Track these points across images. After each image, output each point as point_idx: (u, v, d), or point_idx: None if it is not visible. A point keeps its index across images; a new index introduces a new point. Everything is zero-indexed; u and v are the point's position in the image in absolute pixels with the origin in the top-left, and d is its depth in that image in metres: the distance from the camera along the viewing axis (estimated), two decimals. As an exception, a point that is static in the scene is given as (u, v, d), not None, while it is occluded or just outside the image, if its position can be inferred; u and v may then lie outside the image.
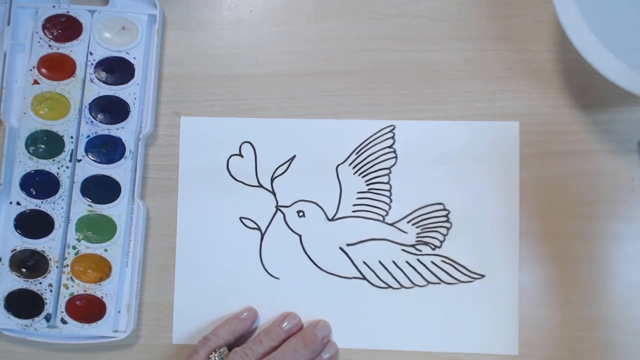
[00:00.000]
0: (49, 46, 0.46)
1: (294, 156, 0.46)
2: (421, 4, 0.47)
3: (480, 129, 0.45)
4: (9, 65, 0.46)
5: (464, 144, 0.45)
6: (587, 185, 0.45)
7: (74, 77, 0.46)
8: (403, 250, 0.45)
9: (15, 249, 0.45)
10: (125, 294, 0.46)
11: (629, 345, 0.44)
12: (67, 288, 0.45)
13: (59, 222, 0.45)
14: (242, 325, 0.44)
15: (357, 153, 0.46)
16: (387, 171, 0.46)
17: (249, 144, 0.46)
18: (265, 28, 0.48)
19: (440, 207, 0.45)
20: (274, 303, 0.45)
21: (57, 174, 0.45)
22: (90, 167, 0.45)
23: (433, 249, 0.45)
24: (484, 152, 0.45)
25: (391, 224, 0.45)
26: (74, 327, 0.44)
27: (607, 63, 0.37)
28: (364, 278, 0.45)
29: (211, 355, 0.41)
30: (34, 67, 0.46)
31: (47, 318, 0.44)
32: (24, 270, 0.45)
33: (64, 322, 0.44)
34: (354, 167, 0.46)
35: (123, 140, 0.46)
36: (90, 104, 0.46)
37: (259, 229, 0.46)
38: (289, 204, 0.46)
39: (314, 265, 0.45)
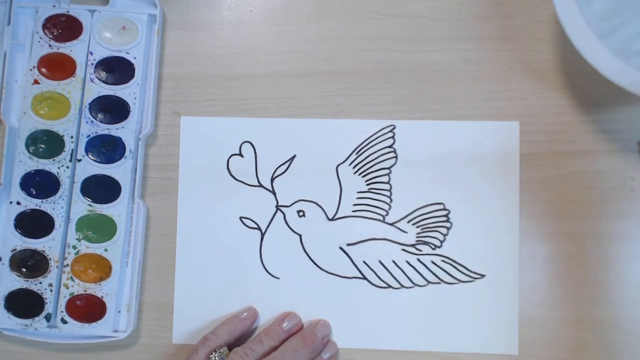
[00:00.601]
0: (49, 46, 0.46)
1: (294, 156, 0.46)
2: (421, 4, 0.47)
3: (480, 129, 0.45)
4: (9, 65, 0.46)
5: (464, 144, 0.45)
6: (587, 185, 0.45)
7: (74, 76, 0.46)
8: (403, 250, 0.45)
9: (15, 249, 0.45)
10: (125, 294, 0.46)
11: (629, 345, 0.44)
12: (67, 288, 0.45)
13: (59, 222, 0.45)
14: (242, 325, 0.44)
15: (357, 153, 0.46)
16: (387, 171, 0.46)
17: (249, 144, 0.46)
18: (265, 28, 0.48)
19: (441, 207, 0.45)
20: (274, 303, 0.45)
21: (57, 173, 0.45)
22: (90, 167, 0.45)
23: (433, 249, 0.45)
24: (484, 152, 0.45)
25: (391, 224, 0.45)
26: (74, 327, 0.44)
27: (607, 63, 0.37)
28: (364, 278, 0.45)
29: (211, 355, 0.41)
30: (34, 67, 0.46)
31: (47, 318, 0.44)
32: (24, 270, 0.45)
33: (64, 321, 0.44)
34: (354, 167, 0.46)
35: (123, 140, 0.46)
36: (90, 104, 0.46)
37: (259, 228, 0.46)
38: (289, 204, 0.46)
39: (314, 265, 0.45)
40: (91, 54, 0.46)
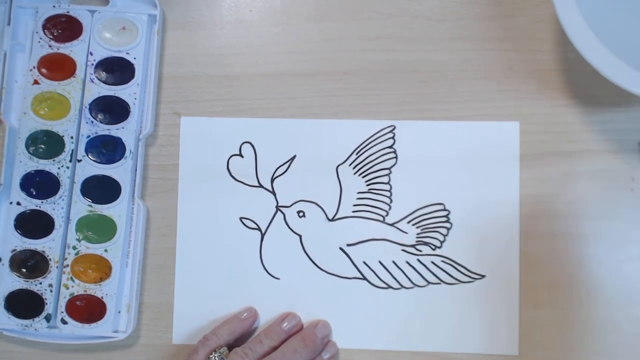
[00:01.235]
0: (49, 46, 0.46)
1: (294, 156, 0.46)
2: (421, 4, 0.47)
3: (480, 129, 0.45)
4: (9, 65, 0.46)
5: (464, 144, 0.45)
6: (587, 185, 0.45)
7: (74, 77, 0.46)
8: (403, 250, 0.45)
9: (15, 249, 0.45)
10: (125, 294, 0.46)
11: (629, 345, 0.44)
12: (67, 288, 0.45)
13: (59, 222, 0.45)
14: (242, 325, 0.44)
15: (357, 153, 0.46)
16: (387, 171, 0.46)
17: (249, 144, 0.46)
18: (265, 28, 0.48)
19: (441, 207, 0.45)
20: (274, 303, 0.45)
21: (57, 174, 0.45)
22: (90, 167, 0.45)
23: (433, 249, 0.45)
24: (484, 152, 0.45)
25: (391, 224, 0.45)
26: (74, 327, 0.44)
27: (607, 63, 0.37)
28: (364, 278, 0.45)
29: (211, 355, 0.41)
30: (34, 67, 0.46)
31: (47, 318, 0.44)
32: (24, 270, 0.45)
33: (64, 322, 0.44)
34: (354, 167, 0.46)
35: (123, 141, 0.46)
36: (90, 104, 0.46)
37: (259, 229, 0.46)
38: (289, 204, 0.46)
39: (314, 265, 0.45)
40: (91, 54, 0.46)
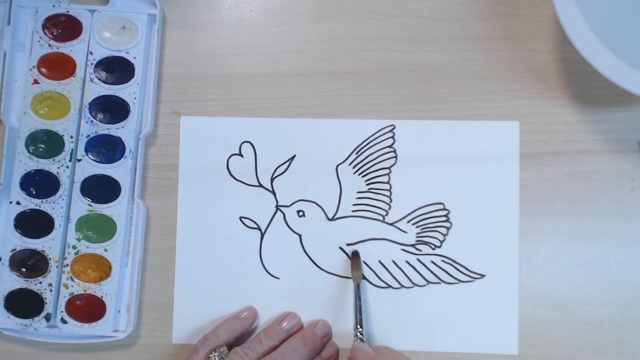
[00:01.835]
0: (49, 46, 0.46)
1: (294, 156, 0.46)
2: (421, 4, 0.47)
3: (480, 129, 0.45)
4: (9, 64, 0.46)
5: (464, 144, 0.45)
6: (587, 185, 0.45)
7: (74, 76, 0.46)
8: (403, 250, 0.45)
9: (15, 249, 0.45)
10: (125, 294, 0.46)
11: (629, 345, 0.44)
12: (67, 288, 0.45)
13: (58, 222, 0.45)
14: (242, 324, 0.44)
15: (357, 153, 0.46)
16: (387, 171, 0.46)
17: (249, 144, 0.46)
18: (265, 28, 0.48)
19: (440, 206, 0.45)
20: (274, 303, 0.45)
21: (57, 173, 0.45)
22: (90, 167, 0.45)
23: (433, 249, 0.45)
24: (484, 152, 0.45)
25: (391, 224, 0.45)
26: (74, 327, 0.44)
27: (607, 63, 0.37)
28: (364, 278, 0.45)
29: (211, 355, 0.41)
30: (34, 67, 0.46)
31: (47, 318, 0.44)
32: (23, 269, 0.45)
33: (63, 321, 0.44)
34: (354, 167, 0.46)
35: (123, 140, 0.46)
36: (90, 104, 0.46)
37: (259, 228, 0.46)
38: (289, 204, 0.46)
39: (314, 265, 0.45)
40: (91, 53, 0.46)
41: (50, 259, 0.45)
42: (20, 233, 0.45)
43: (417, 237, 0.45)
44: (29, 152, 0.45)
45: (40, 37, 0.46)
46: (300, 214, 0.46)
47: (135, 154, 0.46)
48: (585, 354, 0.44)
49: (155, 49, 0.47)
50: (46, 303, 0.45)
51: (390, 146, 0.46)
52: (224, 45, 0.48)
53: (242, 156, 0.46)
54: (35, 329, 0.45)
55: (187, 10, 0.48)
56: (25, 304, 0.45)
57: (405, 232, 0.45)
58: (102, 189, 0.45)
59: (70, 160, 0.46)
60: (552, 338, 0.44)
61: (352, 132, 0.46)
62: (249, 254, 0.46)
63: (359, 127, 0.46)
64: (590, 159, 0.45)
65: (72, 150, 0.46)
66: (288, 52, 0.47)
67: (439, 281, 0.45)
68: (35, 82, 0.46)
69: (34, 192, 0.45)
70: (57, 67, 0.46)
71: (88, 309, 0.45)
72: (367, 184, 0.46)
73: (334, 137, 0.46)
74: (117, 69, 0.46)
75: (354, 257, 0.44)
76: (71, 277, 0.45)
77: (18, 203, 0.45)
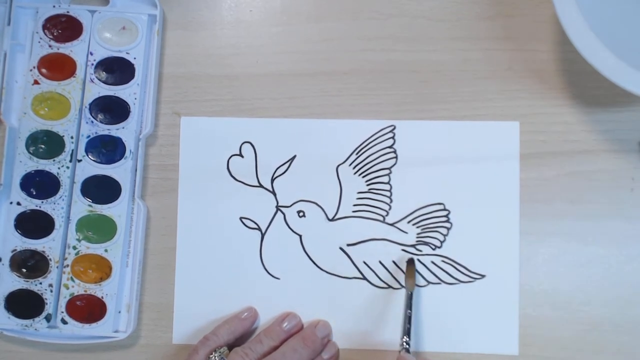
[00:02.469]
0: (49, 46, 0.46)
1: (294, 156, 0.46)
2: (421, 4, 0.47)
3: (480, 129, 0.45)
4: (9, 65, 0.46)
5: (464, 144, 0.45)
6: (587, 185, 0.45)
7: (74, 77, 0.46)
8: (403, 250, 0.45)
9: (15, 249, 0.45)
10: (125, 294, 0.46)
11: (628, 345, 0.44)
12: (68, 288, 0.45)
13: (59, 222, 0.45)
14: (242, 325, 0.44)
15: (357, 153, 0.46)
16: (387, 171, 0.46)
17: (249, 144, 0.46)
18: (265, 28, 0.48)
19: (441, 207, 0.45)
20: (274, 303, 0.45)
21: (58, 174, 0.45)
22: (90, 167, 0.45)
23: (433, 249, 0.45)
24: (484, 152, 0.45)
25: (391, 224, 0.45)
26: (74, 327, 0.44)
27: (607, 63, 0.37)
28: (364, 278, 0.45)
29: (211, 355, 0.41)
30: (34, 67, 0.46)
31: (48, 318, 0.44)
32: (24, 270, 0.45)
33: (64, 322, 0.44)
34: (354, 167, 0.46)
35: (123, 140, 0.46)
36: (90, 104, 0.46)
37: (259, 229, 0.46)
38: (289, 204, 0.46)
39: (314, 265, 0.45)
40: (91, 54, 0.46)
41: (50, 259, 0.45)
42: (20, 233, 0.45)
43: (417, 237, 0.45)
44: (29, 152, 0.45)
45: (41, 38, 0.46)
46: (301, 214, 0.46)
47: (136, 155, 0.46)
48: (585, 354, 0.44)
49: (156, 49, 0.47)
50: (46, 303, 0.45)
51: (390, 146, 0.46)
52: (224, 45, 0.48)
53: (242, 156, 0.46)
54: (35, 329, 0.45)
55: (187, 10, 0.48)
56: (25, 305, 0.45)
57: (406, 232, 0.45)
58: (102, 190, 0.45)
59: (70, 161, 0.46)
60: (552, 338, 0.44)
61: (353, 132, 0.46)
62: (249, 254, 0.46)
63: (359, 127, 0.46)
64: (590, 159, 0.45)
65: (72, 150, 0.46)
66: (288, 52, 0.47)
67: (439, 281, 0.45)
68: (36, 82, 0.46)
69: (34, 193, 0.45)
70: (58, 67, 0.46)
71: (88, 309, 0.45)
72: (368, 184, 0.46)
73: (334, 138, 0.46)
74: (118, 69, 0.46)
75: (409, 265, 0.44)
76: (71, 278, 0.45)
77: (18, 204, 0.45)
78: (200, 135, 0.47)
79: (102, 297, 0.45)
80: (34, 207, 0.45)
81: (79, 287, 0.45)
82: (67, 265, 0.45)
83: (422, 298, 0.45)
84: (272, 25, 0.48)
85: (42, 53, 0.46)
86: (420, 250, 0.45)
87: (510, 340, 0.44)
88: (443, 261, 0.45)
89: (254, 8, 0.48)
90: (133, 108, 0.46)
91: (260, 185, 0.46)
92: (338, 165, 0.46)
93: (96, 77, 0.46)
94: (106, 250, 0.45)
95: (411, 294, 0.43)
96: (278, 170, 0.46)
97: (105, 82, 0.46)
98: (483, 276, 0.44)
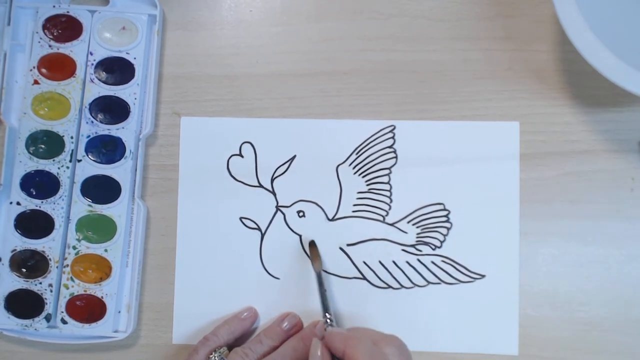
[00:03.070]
0: (49, 46, 0.46)
1: (294, 156, 0.46)
2: (421, 4, 0.47)
3: (480, 129, 0.45)
4: (9, 65, 0.46)
5: (464, 144, 0.45)
6: (587, 185, 0.45)
7: (74, 77, 0.46)
8: (403, 250, 0.45)
9: (15, 249, 0.45)
10: (125, 294, 0.46)
11: (628, 345, 0.44)
12: (67, 288, 0.45)
13: (59, 222, 0.45)
14: (242, 325, 0.44)
15: (357, 153, 0.46)
16: (387, 171, 0.46)
17: (249, 144, 0.46)
18: (265, 28, 0.48)
19: (441, 207, 0.45)
20: (274, 303, 0.45)
21: (57, 174, 0.45)
22: (90, 167, 0.45)
23: (433, 249, 0.45)
24: (484, 152, 0.45)
25: (391, 224, 0.45)
26: (74, 327, 0.44)
27: (607, 63, 0.37)
28: (364, 278, 0.45)
29: (211, 355, 0.41)
30: (34, 67, 0.46)
31: (47, 318, 0.45)
32: (24, 270, 0.45)
33: (64, 322, 0.44)
34: (354, 167, 0.46)
35: (123, 141, 0.46)
36: (90, 104, 0.46)
37: (259, 229, 0.46)
38: (289, 204, 0.46)
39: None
40: (91, 54, 0.46)
41: (50, 259, 0.45)
42: (20, 233, 0.45)
43: (417, 237, 0.45)
44: (29, 152, 0.45)
45: (41, 38, 0.46)
46: (301, 214, 0.46)
47: (136, 155, 0.46)
48: (585, 354, 0.44)
49: (156, 49, 0.47)
50: (46, 303, 0.45)
51: (390, 146, 0.46)
52: (224, 45, 0.48)
53: (242, 156, 0.46)
54: (35, 329, 0.45)
55: (187, 11, 0.48)
56: (25, 305, 0.45)
57: (406, 232, 0.45)
58: (102, 190, 0.45)
59: (70, 161, 0.46)
60: (552, 338, 0.44)
61: (352, 132, 0.46)
62: (249, 254, 0.46)
63: (359, 127, 0.46)
64: (590, 159, 0.45)
65: (72, 150, 0.46)
66: (288, 52, 0.47)
67: (439, 281, 0.45)
68: (36, 82, 0.46)
69: (34, 193, 0.45)
70: (58, 67, 0.46)
71: (88, 309, 0.45)
72: (367, 184, 0.46)
73: (334, 138, 0.46)
74: (118, 69, 0.46)
75: (312, 247, 0.45)
76: (71, 278, 0.45)
77: (18, 203, 0.45)
78: (200, 135, 0.47)
79: (102, 297, 0.45)
80: (33, 207, 0.45)
81: (78, 287, 0.45)
82: (67, 265, 0.45)
83: (423, 298, 0.45)
84: (272, 25, 0.48)
85: (42, 53, 0.46)
86: (420, 250, 0.45)
87: (510, 340, 0.44)
88: (443, 261, 0.45)
89: (254, 8, 0.48)
90: (133, 108, 0.46)
91: (260, 185, 0.46)
92: (338, 165, 0.46)
93: (96, 77, 0.46)
94: (106, 250, 0.45)
95: (319, 273, 0.43)
96: (278, 170, 0.46)
97: (105, 82, 0.46)
98: (483, 276, 0.44)
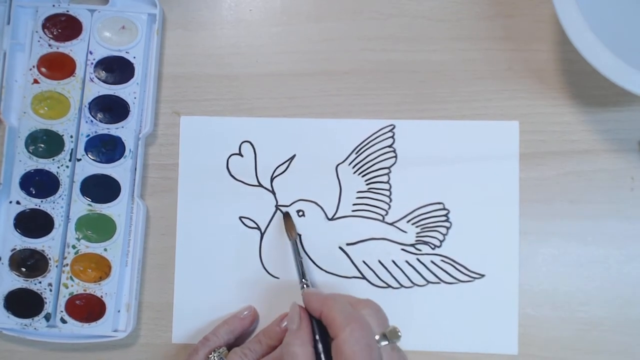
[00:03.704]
0: (49, 45, 0.46)
1: (294, 156, 0.46)
2: (421, 4, 0.47)
3: (480, 129, 0.45)
4: (9, 64, 0.46)
5: (464, 143, 0.45)
6: (587, 185, 0.45)
7: (73, 76, 0.46)
8: (403, 249, 0.45)
9: (15, 249, 0.45)
10: (124, 294, 0.46)
11: (628, 345, 0.44)
12: (67, 287, 0.45)
13: (58, 222, 0.45)
14: (242, 324, 0.44)
15: (357, 152, 0.46)
16: (386, 171, 0.46)
17: (248, 144, 0.46)
18: (265, 28, 0.48)
19: (440, 206, 0.45)
20: (274, 303, 0.45)
21: (57, 173, 0.45)
22: (90, 167, 0.45)
23: (433, 249, 0.45)
24: (483, 151, 0.45)
25: (391, 224, 0.45)
26: (74, 327, 0.44)
27: (607, 63, 0.37)
28: (364, 278, 0.45)
29: (210, 355, 0.41)
30: (33, 67, 0.46)
31: (47, 317, 0.44)
32: (23, 269, 0.45)
33: (63, 321, 0.44)
34: (353, 167, 0.46)
35: (123, 140, 0.46)
36: (90, 103, 0.46)
37: (258, 228, 0.46)
38: (288, 204, 0.46)
39: (314, 265, 0.45)
40: (91, 53, 0.46)
41: (50, 258, 0.45)
42: (20, 233, 0.45)
43: (416, 236, 0.45)
44: (28, 151, 0.45)
45: (40, 37, 0.46)
46: (300, 213, 0.46)
47: (135, 154, 0.46)
48: (585, 354, 0.44)
49: (155, 48, 0.47)
50: (46, 303, 0.45)
51: (390, 146, 0.46)
52: (224, 45, 0.48)
53: (242, 156, 0.46)
54: (35, 328, 0.45)
55: (187, 10, 0.48)
56: (25, 304, 0.45)
57: (405, 232, 0.45)
58: (101, 189, 0.45)
59: (70, 160, 0.46)
60: (552, 338, 0.44)
61: (352, 132, 0.46)
62: (249, 254, 0.46)
63: (358, 127, 0.46)
64: (590, 159, 0.45)
65: (71, 150, 0.46)
66: (288, 52, 0.47)
67: (438, 281, 0.45)
68: (35, 81, 0.46)
69: (33, 192, 0.45)
70: (57, 66, 0.46)
71: (88, 308, 0.45)
72: (367, 184, 0.46)
73: (333, 137, 0.46)
74: (117, 68, 0.46)
75: (286, 218, 0.45)
76: (71, 277, 0.45)
77: (18, 203, 0.45)
78: (200, 135, 0.47)
79: (102, 297, 0.45)
80: (33, 207, 0.45)
81: (78, 287, 0.45)
82: (67, 265, 0.45)
83: (422, 298, 0.45)
84: (272, 25, 0.48)
85: (41, 52, 0.46)
86: (420, 250, 0.45)
87: (510, 340, 0.44)
88: (442, 261, 0.45)
89: (254, 8, 0.48)
90: (133, 107, 0.46)
91: (260, 185, 0.46)
92: (337, 165, 0.46)
93: (96, 76, 0.46)
94: (105, 250, 0.45)
95: (295, 241, 0.44)
96: (277, 170, 0.46)
97: (104, 82, 0.46)
98: (482, 276, 0.44)
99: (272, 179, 0.46)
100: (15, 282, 0.45)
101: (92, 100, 0.46)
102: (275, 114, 0.47)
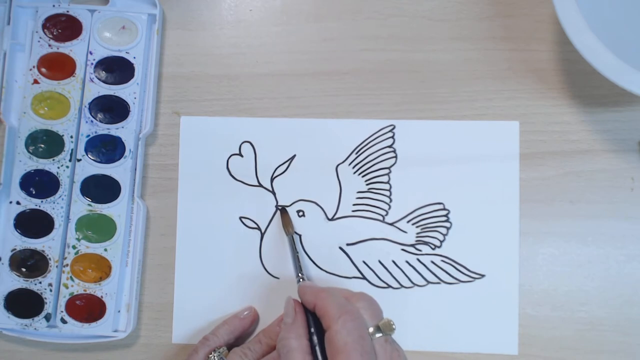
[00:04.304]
0: (49, 46, 0.46)
1: (294, 156, 0.46)
2: (421, 4, 0.47)
3: (480, 129, 0.45)
4: (9, 64, 0.46)
5: (464, 144, 0.45)
6: (587, 185, 0.45)
7: (73, 76, 0.46)
8: (403, 249, 0.45)
9: (15, 249, 0.45)
10: (125, 294, 0.46)
11: (628, 345, 0.44)
12: (67, 288, 0.45)
13: (58, 222, 0.45)
14: (242, 324, 0.44)
15: (357, 153, 0.46)
16: (387, 171, 0.46)
17: (248, 144, 0.46)
18: (265, 28, 0.48)
19: (440, 206, 0.45)
20: (274, 303, 0.45)
21: (57, 173, 0.45)
22: (90, 167, 0.45)
23: (433, 249, 0.45)
24: (484, 152, 0.45)
25: (391, 224, 0.45)
26: (74, 327, 0.44)
27: (607, 63, 0.37)
28: (364, 278, 0.45)
29: (210, 355, 0.41)
30: (34, 67, 0.46)
31: (47, 318, 0.44)
32: (23, 269, 0.45)
33: (63, 321, 0.44)
34: (353, 167, 0.46)
35: (123, 140, 0.46)
36: (90, 104, 0.46)
37: (258, 228, 0.46)
38: (288, 204, 0.46)
39: (314, 265, 0.45)
40: (91, 53, 0.46)
41: (50, 258, 0.45)
42: (20, 233, 0.45)
43: (417, 237, 0.45)
44: (28, 152, 0.45)
45: (40, 37, 0.46)
46: (300, 214, 0.46)
47: (135, 154, 0.46)
48: (585, 354, 0.44)
49: (155, 48, 0.47)
50: (46, 303, 0.45)
51: (390, 146, 0.46)
52: (224, 45, 0.48)
53: (242, 156, 0.46)
54: (35, 328, 0.45)
55: (187, 10, 0.48)
56: (25, 304, 0.45)
57: (405, 232, 0.45)
58: (102, 189, 0.45)
59: (70, 160, 0.46)
60: (552, 338, 0.44)
61: (352, 132, 0.46)
62: (249, 254, 0.46)
63: (358, 127, 0.46)
64: (590, 159, 0.45)
65: (72, 150, 0.46)
66: (288, 52, 0.47)
67: (438, 281, 0.45)
68: (35, 82, 0.46)
69: (33, 192, 0.45)
70: (57, 67, 0.46)
71: (88, 308, 0.45)
72: (367, 184, 0.46)
73: (333, 137, 0.46)
74: (117, 68, 0.46)
75: (283, 213, 0.45)
76: (71, 277, 0.45)
77: (18, 203, 0.45)
78: (200, 135, 0.47)
79: (102, 297, 0.45)
80: (33, 207, 0.45)
81: (78, 287, 0.45)
82: (67, 265, 0.45)
83: (422, 298, 0.45)
84: (272, 25, 0.48)
85: (41, 52, 0.46)
86: (420, 250, 0.45)
87: (510, 340, 0.44)
88: (443, 261, 0.45)
89: (254, 8, 0.48)
90: (133, 107, 0.46)
91: (260, 185, 0.46)
92: (338, 165, 0.46)
93: (96, 76, 0.46)
94: (106, 250, 0.45)
95: (292, 237, 0.44)
96: (278, 170, 0.46)
97: (104, 82, 0.46)
98: (483, 276, 0.44)
99: (272, 179, 0.46)
100: (16, 282, 0.45)
101: (92, 101, 0.46)
102: (275, 114, 0.47)
